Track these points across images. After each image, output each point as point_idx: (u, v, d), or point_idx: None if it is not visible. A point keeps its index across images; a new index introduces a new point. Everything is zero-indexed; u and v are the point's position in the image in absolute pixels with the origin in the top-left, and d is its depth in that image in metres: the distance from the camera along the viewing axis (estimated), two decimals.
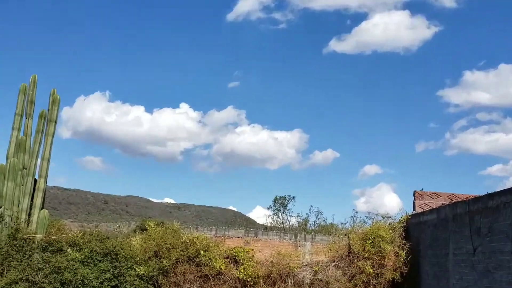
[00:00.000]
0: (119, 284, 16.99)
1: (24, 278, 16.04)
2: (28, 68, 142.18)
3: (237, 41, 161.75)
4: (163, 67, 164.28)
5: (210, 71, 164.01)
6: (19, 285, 15.91)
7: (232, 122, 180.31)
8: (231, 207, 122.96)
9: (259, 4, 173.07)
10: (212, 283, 18.04)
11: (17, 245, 16.93)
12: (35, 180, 18.83)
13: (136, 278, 17.23)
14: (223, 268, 18.13)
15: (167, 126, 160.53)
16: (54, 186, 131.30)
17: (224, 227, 20.78)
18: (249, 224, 34.72)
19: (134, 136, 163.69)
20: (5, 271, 16.53)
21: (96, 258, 17.23)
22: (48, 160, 19.06)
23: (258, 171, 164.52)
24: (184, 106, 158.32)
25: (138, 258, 17.75)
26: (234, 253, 18.70)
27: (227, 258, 18.57)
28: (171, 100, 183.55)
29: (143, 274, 17.40)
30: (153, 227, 19.14)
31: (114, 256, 17.39)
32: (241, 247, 19.10)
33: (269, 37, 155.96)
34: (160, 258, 17.92)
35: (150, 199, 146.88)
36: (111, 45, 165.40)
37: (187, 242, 18.35)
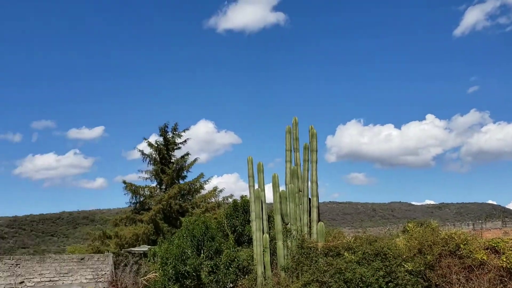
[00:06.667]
0: (392, 280, 15.37)
1: (314, 279, 15.60)
2: (291, 111, 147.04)
3: (467, 51, 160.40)
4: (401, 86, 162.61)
5: (448, 80, 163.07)
6: (312, 285, 15.49)
7: (477, 123, 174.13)
8: (489, 201, 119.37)
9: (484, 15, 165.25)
10: (477, 273, 15.70)
11: (305, 253, 16.69)
12: (309, 200, 18.30)
13: (405, 273, 15.52)
14: (485, 259, 15.67)
15: (416, 136, 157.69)
16: (330, 202, 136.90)
17: (481, 221, 18.45)
18: (508, 215, 32.17)
19: (388, 150, 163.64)
20: (299, 274, 16.37)
21: (369, 259, 15.88)
22: (316, 182, 18.41)
23: (510, 164, 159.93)
24: (430, 117, 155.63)
25: (404, 256, 16.07)
26: (493, 244, 16.18)
27: (486, 249, 16.15)
28: (417, 114, 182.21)
29: (412, 269, 15.64)
30: (413, 228, 17.53)
31: (383, 256, 15.89)
32: (499, 238, 16.66)
33: (499, 42, 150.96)
34: (424, 255, 16.02)
35: (412, 202, 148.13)
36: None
37: (446, 238, 16.28)
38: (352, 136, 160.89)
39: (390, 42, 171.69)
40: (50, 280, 21.26)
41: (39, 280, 21.03)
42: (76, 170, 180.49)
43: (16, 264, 20.80)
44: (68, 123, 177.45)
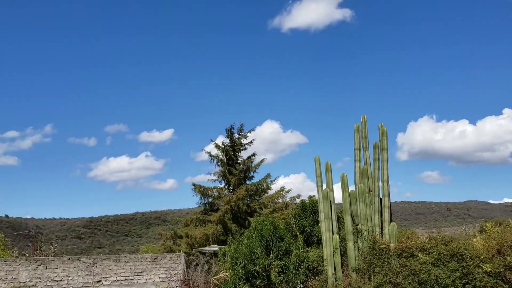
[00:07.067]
0: (469, 282, 14.71)
1: (387, 281, 15.15)
2: (359, 109, 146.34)
3: None
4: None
5: None
6: (385, 287, 15.08)
7: None
8: None
9: None
10: None
11: (377, 254, 16.26)
12: (381, 199, 17.85)
13: (484, 275, 14.82)
14: None
15: (492, 132, 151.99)
16: (402, 201, 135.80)
17: None
18: None
19: (463, 147, 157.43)
20: (371, 275, 16.02)
21: (444, 260, 15.26)
22: (387, 182, 17.90)
23: None
24: (507, 111, 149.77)
25: (482, 257, 15.31)
26: None
27: None
28: (493, 109, 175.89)
29: (490, 271, 14.91)
30: (491, 228, 16.71)
31: (460, 257, 15.22)
32: None
33: None
34: (503, 255, 15.25)
35: (489, 201, 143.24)
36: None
37: None
38: (425, 133, 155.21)
39: (462, 33, 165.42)
40: (125, 279, 21.88)
41: (115, 279, 21.69)
42: (148, 172, 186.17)
43: (93, 264, 21.54)
44: (140, 126, 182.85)
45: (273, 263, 17.37)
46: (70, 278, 20.94)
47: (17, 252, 29.68)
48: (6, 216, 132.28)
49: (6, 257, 26.79)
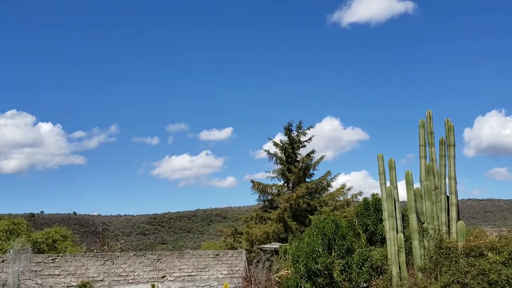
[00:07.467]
0: None
1: (455, 280, 14.66)
2: (422, 104, 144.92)
3: None
4: None
5: None
6: (452, 287, 14.59)
7: None
8: None
9: None
10: None
11: (444, 253, 15.72)
12: (447, 197, 17.30)
13: None
14: None
15: None
16: (469, 199, 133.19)
17: None
18: None
19: None
20: (438, 275, 15.53)
21: None
22: (455, 179, 17.37)
23: None
24: None
25: None
26: None
27: None
28: None
29: None
30: None
31: None
32: None
33: None
34: None
35: None
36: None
37: None
38: (493, 128, 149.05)
39: None
40: (188, 275, 22.25)
41: (178, 275, 22.10)
42: (208, 169, 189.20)
43: (158, 259, 22.02)
44: (200, 125, 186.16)
45: (335, 261, 17.13)
46: (135, 274, 21.50)
47: (85, 248, 30.81)
48: (74, 213, 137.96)
49: (75, 252, 27.84)
